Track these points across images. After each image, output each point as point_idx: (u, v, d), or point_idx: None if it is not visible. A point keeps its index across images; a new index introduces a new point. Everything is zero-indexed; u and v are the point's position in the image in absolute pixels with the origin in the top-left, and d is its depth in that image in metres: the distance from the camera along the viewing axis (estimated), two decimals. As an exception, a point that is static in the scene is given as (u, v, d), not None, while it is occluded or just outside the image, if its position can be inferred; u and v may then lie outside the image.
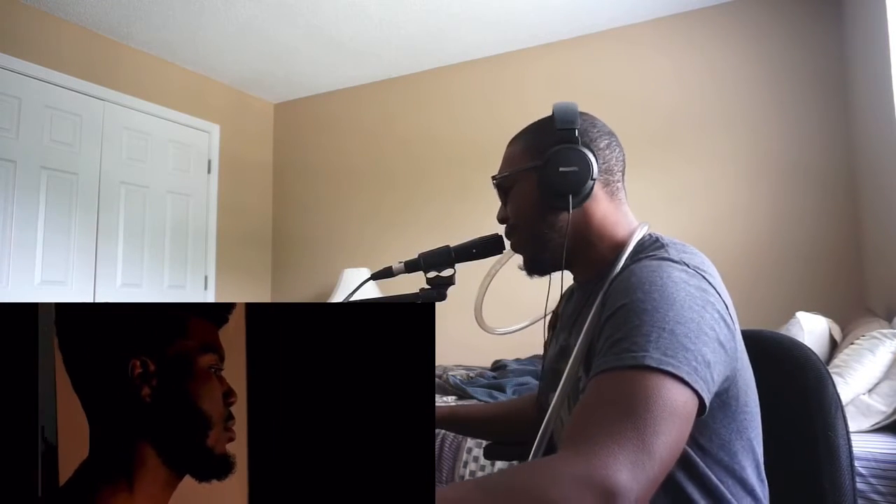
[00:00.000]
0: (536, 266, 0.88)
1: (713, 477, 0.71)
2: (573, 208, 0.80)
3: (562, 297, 1.00)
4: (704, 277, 0.71)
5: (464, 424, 1.17)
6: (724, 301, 0.71)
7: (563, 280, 0.89)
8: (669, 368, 0.60)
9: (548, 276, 0.88)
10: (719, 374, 0.66)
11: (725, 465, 0.72)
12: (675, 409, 0.58)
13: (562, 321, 0.95)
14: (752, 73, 2.93)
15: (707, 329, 0.65)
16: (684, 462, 0.70)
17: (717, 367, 0.65)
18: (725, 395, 0.71)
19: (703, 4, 3.03)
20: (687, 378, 0.60)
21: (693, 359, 0.62)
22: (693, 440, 0.70)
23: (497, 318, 1.14)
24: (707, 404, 0.63)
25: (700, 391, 0.61)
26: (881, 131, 2.17)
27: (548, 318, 0.97)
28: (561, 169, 0.80)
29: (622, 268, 0.75)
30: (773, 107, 2.87)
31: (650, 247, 0.78)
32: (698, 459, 0.71)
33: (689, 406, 0.60)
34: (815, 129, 2.78)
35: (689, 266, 0.71)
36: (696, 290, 0.68)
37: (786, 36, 2.86)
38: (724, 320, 0.68)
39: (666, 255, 0.73)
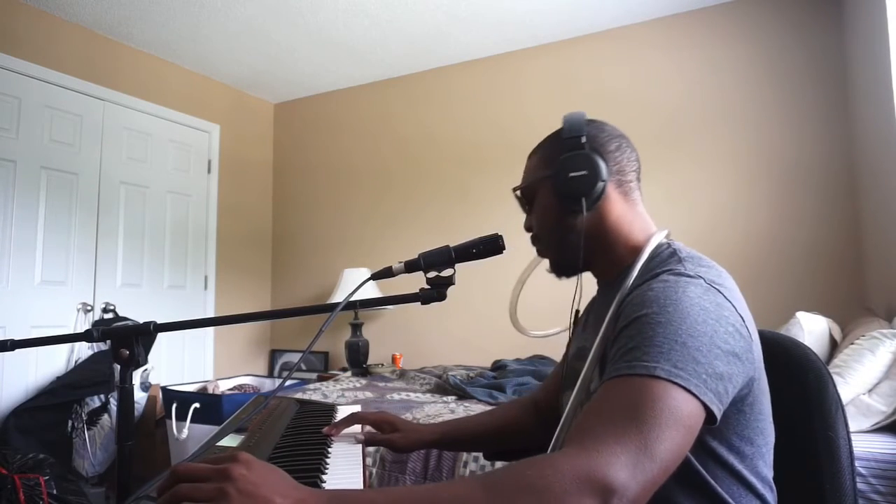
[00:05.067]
0: (561, 268, 0.92)
1: (719, 485, 0.71)
2: (588, 210, 0.85)
3: (594, 297, 1.02)
4: (721, 292, 0.72)
5: (457, 443, 1.07)
6: (740, 314, 0.72)
7: (579, 283, 0.93)
8: (678, 380, 0.62)
9: (576, 277, 0.93)
10: (734, 385, 0.67)
11: (736, 472, 0.72)
12: (680, 418, 0.60)
13: (585, 321, 0.98)
14: (751, 74, 2.92)
15: (720, 342, 0.66)
16: (690, 471, 0.70)
17: (732, 378, 0.67)
18: (742, 403, 0.72)
19: (703, 4, 3.03)
20: (695, 390, 0.62)
21: (703, 371, 0.63)
22: (703, 447, 0.71)
23: (522, 320, 1.14)
24: (717, 416, 0.64)
25: (708, 403, 0.63)
26: (881, 131, 2.17)
27: (575, 316, 1.00)
28: (571, 174, 0.85)
29: (639, 278, 0.77)
30: (774, 107, 2.87)
31: (668, 259, 0.79)
32: (703, 469, 0.71)
33: (694, 416, 0.62)
34: (816, 129, 2.78)
35: (705, 280, 0.72)
36: (711, 304, 0.69)
37: (786, 35, 2.86)
38: (740, 332, 0.70)
39: (683, 269, 0.75)
